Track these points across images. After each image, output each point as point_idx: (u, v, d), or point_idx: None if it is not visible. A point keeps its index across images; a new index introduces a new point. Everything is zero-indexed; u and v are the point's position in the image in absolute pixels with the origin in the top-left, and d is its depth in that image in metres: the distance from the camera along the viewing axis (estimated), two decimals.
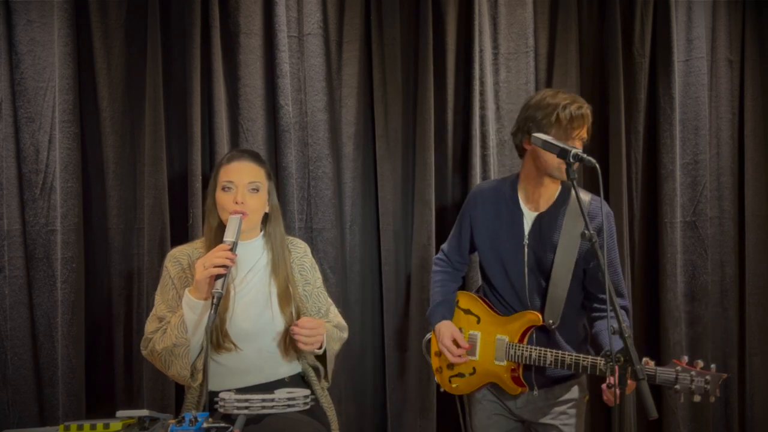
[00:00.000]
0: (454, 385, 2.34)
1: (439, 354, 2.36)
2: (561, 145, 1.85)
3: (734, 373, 3.07)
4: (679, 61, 2.97)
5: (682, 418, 2.94)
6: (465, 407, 2.46)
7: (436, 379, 2.41)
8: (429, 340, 2.45)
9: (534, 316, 2.19)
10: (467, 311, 2.35)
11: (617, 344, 1.88)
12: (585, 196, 2.22)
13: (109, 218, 2.64)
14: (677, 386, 1.92)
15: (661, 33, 2.96)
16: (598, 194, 1.94)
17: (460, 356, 2.26)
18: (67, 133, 2.54)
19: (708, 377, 1.91)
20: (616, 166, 2.92)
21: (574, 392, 2.26)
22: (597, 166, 1.77)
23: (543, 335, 2.21)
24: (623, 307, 2.17)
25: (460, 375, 2.32)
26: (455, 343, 2.28)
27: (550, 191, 2.22)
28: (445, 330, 2.30)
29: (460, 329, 2.32)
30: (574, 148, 1.82)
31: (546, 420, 2.24)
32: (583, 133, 2.12)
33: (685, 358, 1.96)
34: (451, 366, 2.33)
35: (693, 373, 1.92)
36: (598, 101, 3.00)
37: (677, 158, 2.96)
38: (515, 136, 2.23)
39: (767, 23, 3.08)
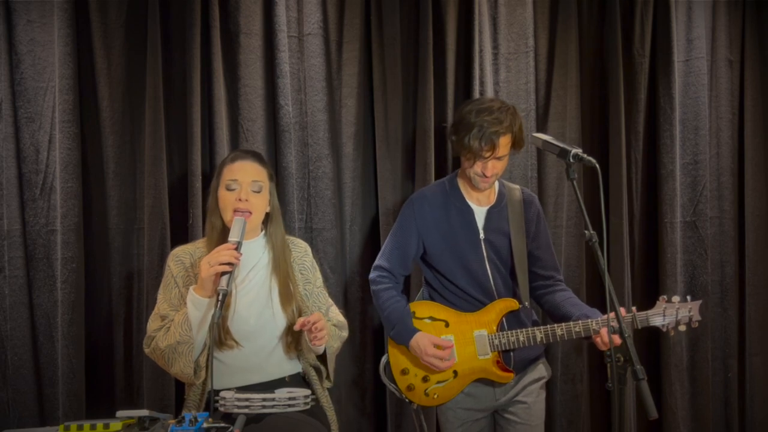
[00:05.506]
0: (434, 396, 2.28)
1: (406, 371, 2.30)
2: (561, 145, 1.89)
3: (734, 373, 3.07)
4: (679, 61, 2.97)
5: (682, 418, 2.94)
6: (423, 422, 2.40)
7: (409, 398, 2.30)
8: (387, 363, 2.34)
9: (508, 302, 2.28)
10: (431, 318, 2.31)
11: (591, 312, 2.18)
12: (515, 188, 2.38)
13: (109, 218, 2.64)
14: (666, 322, 2.18)
15: (661, 33, 2.96)
16: (599, 194, 1.95)
17: (447, 359, 2.23)
18: (67, 133, 2.54)
19: (690, 306, 2.19)
20: (616, 166, 2.92)
21: (541, 371, 2.37)
22: (597, 166, 1.80)
23: (513, 319, 2.30)
24: (561, 280, 2.40)
25: (440, 383, 2.27)
26: (438, 348, 2.23)
27: (494, 186, 2.35)
28: (424, 340, 2.24)
29: None
30: (575, 147, 1.84)
31: (518, 398, 2.31)
32: (498, 153, 2.19)
33: (665, 297, 2.20)
34: (426, 378, 2.28)
35: (677, 306, 2.18)
36: (598, 101, 3.00)
37: (677, 158, 2.96)
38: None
39: (767, 23, 3.08)
